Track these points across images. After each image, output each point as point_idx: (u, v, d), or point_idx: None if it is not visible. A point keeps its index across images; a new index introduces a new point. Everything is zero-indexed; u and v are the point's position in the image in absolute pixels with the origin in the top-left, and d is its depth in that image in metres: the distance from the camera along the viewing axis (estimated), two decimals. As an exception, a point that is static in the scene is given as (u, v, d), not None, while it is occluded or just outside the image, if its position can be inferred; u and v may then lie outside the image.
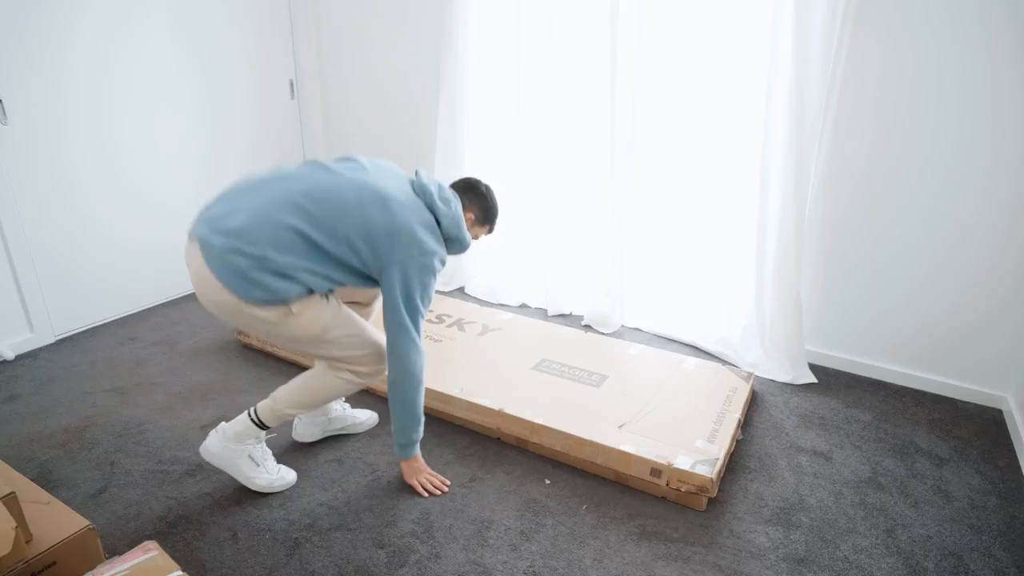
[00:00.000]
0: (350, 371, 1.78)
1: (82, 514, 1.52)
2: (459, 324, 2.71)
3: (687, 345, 2.78)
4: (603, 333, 2.88)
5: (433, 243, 1.65)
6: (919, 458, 2.04)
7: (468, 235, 1.79)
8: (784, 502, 1.84)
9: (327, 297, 1.69)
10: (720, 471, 1.80)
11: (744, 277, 2.59)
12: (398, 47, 3.30)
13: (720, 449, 1.86)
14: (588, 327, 2.94)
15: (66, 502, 1.69)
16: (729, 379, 2.28)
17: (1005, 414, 2.27)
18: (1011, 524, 1.77)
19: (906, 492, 1.89)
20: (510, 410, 2.03)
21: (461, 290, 3.37)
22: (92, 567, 1.35)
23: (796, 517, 1.78)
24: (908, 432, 2.17)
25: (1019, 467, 2.00)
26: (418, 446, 1.85)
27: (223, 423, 1.80)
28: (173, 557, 1.38)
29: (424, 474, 1.87)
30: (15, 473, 1.63)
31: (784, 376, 2.48)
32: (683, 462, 1.78)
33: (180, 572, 1.32)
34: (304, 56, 3.57)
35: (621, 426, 1.96)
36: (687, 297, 2.80)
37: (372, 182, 1.63)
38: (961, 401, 2.35)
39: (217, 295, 1.55)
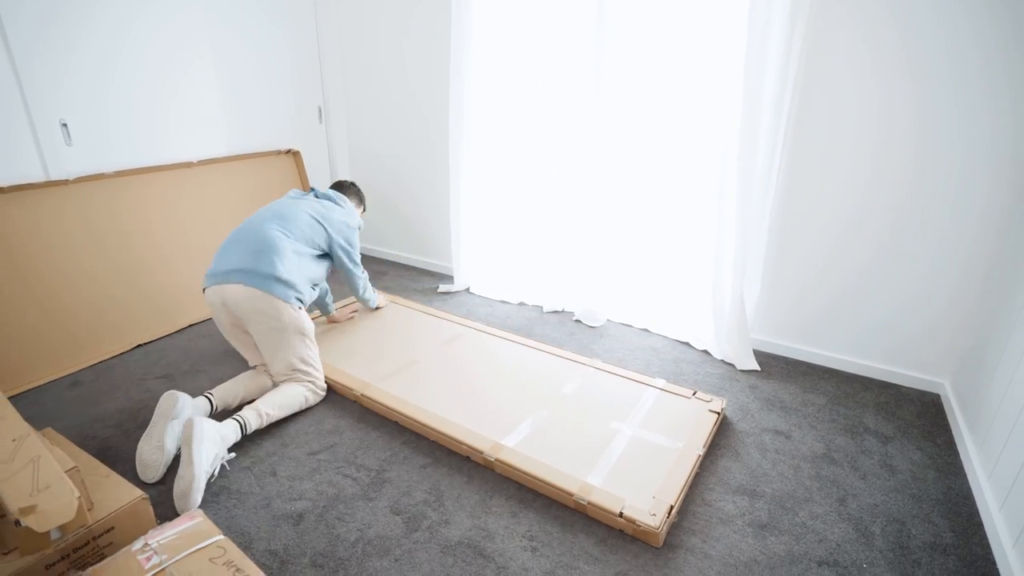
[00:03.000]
0: (311, 379, 2.13)
1: (136, 486, 1.52)
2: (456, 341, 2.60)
3: (660, 336, 2.78)
4: (591, 326, 2.88)
5: (347, 218, 2.38)
6: (867, 436, 2.04)
7: (357, 219, 2.46)
8: (750, 475, 1.83)
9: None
10: (670, 517, 1.59)
11: (704, 279, 2.58)
12: (413, 74, 3.29)
13: (673, 495, 1.64)
14: (579, 322, 2.94)
15: (122, 475, 1.69)
16: (697, 413, 2.04)
17: (942, 398, 2.26)
18: (947, 494, 1.76)
19: (856, 466, 1.89)
20: (504, 456, 1.79)
21: (467, 290, 3.37)
22: (145, 532, 1.35)
23: (760, 488, 1.78)
24: (858, 414, 2.17)
25: (954, 444, 2.00)
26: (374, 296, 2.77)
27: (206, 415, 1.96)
28: (216, 523, 1.37)
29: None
30: (78, 449, 1.63)
31: (741, 364, 2.48)
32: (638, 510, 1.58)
33: (222, 536, 1.32)
34: (331, 84, 3.57)
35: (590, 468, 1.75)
36: (661, 293, 2.80)
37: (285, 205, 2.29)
38: (904, 387, 2.35)
39: (259, 302, 2.01)
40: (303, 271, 2.13)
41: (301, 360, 2.10)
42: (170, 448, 1.78)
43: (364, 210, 2.64)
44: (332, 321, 2.74)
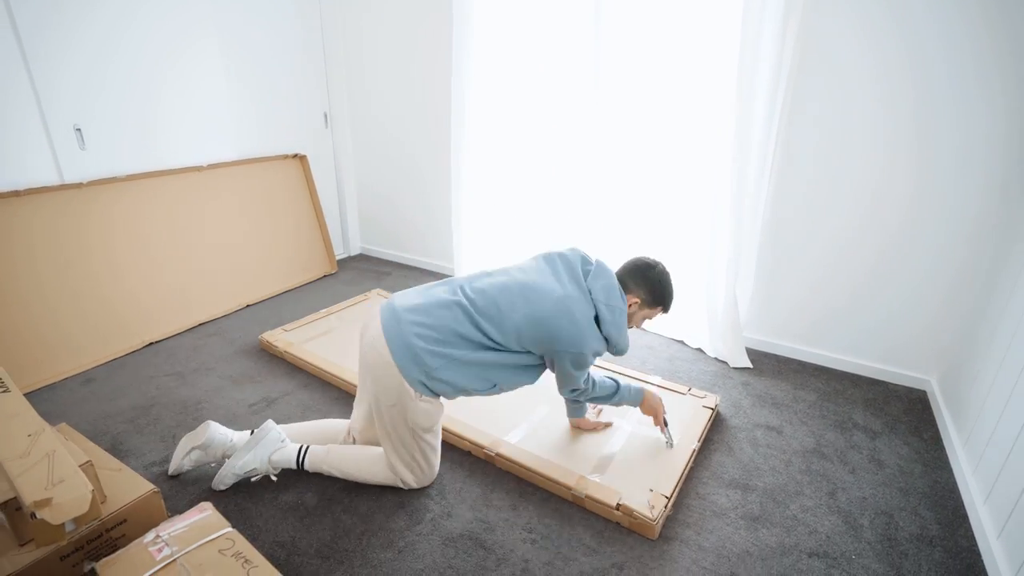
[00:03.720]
0: (403, 475, 1.66)
1: (148, 479, 1.52)
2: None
3: (655, 334, 2.78)
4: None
5: (587, 337, 1.51)
6: (856, 432, 2.04)
7: (626, 339, 1.60)
8: (742, 469, 1.84)
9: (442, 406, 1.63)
10: (666, 510, 1.59)
11: (699, 280, 2.58)
12: (415, 79, 3.29)
13: (668, 489, 1.65)
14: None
15: (134, 469, 1.69)
16: (692, 409, 2.04)
17: (929, 395, 2.26)
18: (934, 487, 1.77)
19: (845, 460, 1.89)
20: (503, 450, 1.81)
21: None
22: (156, 524, 1.35)
23: (752, 482, 1.78)
24: (847, 410, 2.17)
25: (940, 439, 2.00)
26: (637, 392, 1.77)
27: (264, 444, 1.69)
28: (224, 516, 1.38)
29: (658, 405, 1.80)
30: (91, 444, 1.63)
31: (734, 362, 2.49)
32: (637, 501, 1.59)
33: (230, 529, 1.32)
34: (336, 90, 3.57)
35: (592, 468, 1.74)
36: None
37: (532, 281, 1.55)
38: (892, 384, 2.35)
39: (381, 368, 1.52)
40: (476, 370, 1.53)
41: (407, 450, 1.63)
42: (185, 466, 1.73)
43: (663, 310, 1.66)
44: (578, 427, 1.94)
